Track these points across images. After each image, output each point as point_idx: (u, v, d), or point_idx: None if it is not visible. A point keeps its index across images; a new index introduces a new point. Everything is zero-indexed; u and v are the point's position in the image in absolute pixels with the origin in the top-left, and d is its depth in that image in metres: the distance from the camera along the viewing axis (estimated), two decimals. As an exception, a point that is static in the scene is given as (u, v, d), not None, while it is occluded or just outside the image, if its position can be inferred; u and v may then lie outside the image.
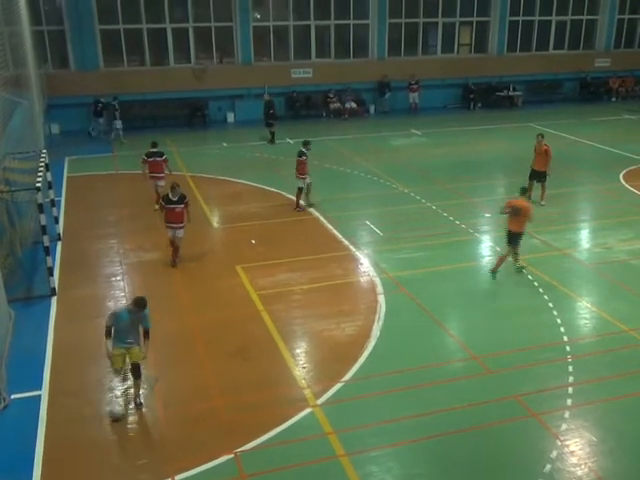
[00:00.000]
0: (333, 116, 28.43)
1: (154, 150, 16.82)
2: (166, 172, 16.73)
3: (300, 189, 16.51)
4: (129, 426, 8.61)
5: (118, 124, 24.66)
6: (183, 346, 10.58)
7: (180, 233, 13.33)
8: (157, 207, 15.13)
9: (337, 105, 28.54)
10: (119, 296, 12.33)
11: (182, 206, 13.34)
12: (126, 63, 27.11)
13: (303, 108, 28.41)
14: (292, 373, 9.75)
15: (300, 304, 11.94)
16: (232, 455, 7.98)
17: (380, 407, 8.94)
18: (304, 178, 16.53)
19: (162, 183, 16.42)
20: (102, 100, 25.10)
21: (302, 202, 16.80)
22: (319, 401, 9.04)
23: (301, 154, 16.52)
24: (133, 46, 27.26)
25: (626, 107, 30.56)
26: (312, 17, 28.51)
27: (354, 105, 28.64)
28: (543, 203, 16.85)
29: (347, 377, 9.58)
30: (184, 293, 12.37)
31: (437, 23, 30.36)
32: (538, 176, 16.98)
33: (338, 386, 9.37)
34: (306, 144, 16.81)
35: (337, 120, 28.12)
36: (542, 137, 17.07)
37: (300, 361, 10.12)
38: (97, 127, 25.45)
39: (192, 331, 11.04)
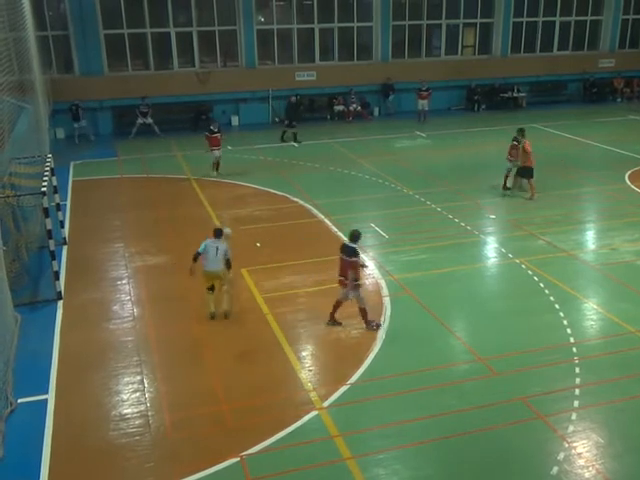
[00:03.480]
0: (337, 118, 28.46)
1: (213, 128, 20.28)
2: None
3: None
4: (136, 430, 8.61)
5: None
6: (189, 350, 10.58)
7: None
8: (215, 174, 20.26)
9: (341, 107, 28.57)
10: (125, 300, 12.35)
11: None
12: (130, 67, 27.20)
13: (307, 111, 28.43)
14: (298, 376, 9.74)
15: (305, 307, 11.94)
16: (238, 458, 7.98)
17: (386, 409, 8.92)
18: None
19: (219, 153, 20.39)
20: (79, 104, 25.10)
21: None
22: (325, 404, 9.03)
23: None
24: (137, 50, 27.34)
25: (631, 108, 30.49)
26: (316, 20, 28.55)
27: (358, 107, 28.65)
28: (529, 197, 17.46)
29: (353, 380, 9.57)
30: (189, 296, 12.37)
31: (441, 25, 30.35)
32: (523, 172, 17.55)
33: (344, 389, 9.36)
34: None
35: (341, 122, 28.13)
36: (523, 134, 17.79)
37: (306, 364, 10.11)
38: (79, 131, 25.35)
39: (198, 334, 11.05)
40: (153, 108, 25.97)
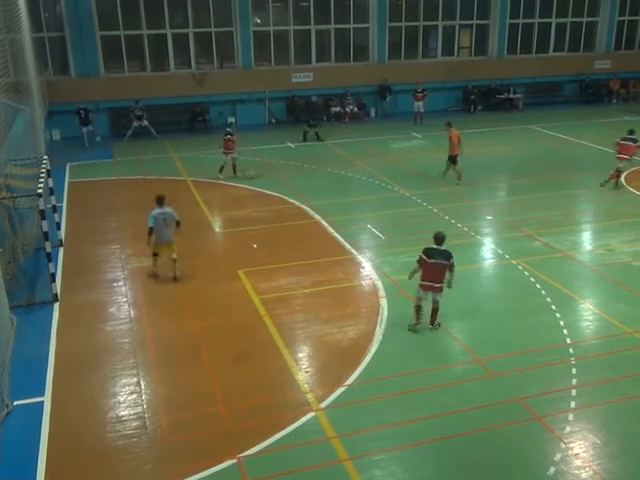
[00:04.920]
0: (334, 120, 28.45)
1: (228, 130, 20.34)
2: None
3: None
4: (133, 431, 8.59)
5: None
6: (186, 351, 10.56)
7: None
8: (221, 176, 20.12)
9: (338, 109, 28.57)
10: (121, 302, 12.33)
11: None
12: (127, 69, 27.18)
13: (304, 112, 28.41)
14: (295, 377, 9.73)
15: (302, 308, 11.93)
16: (235, 460, 7.96)
17: (383, 411, 8.92)
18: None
19: (235, 155, 20.33)
20: (87, 107, 24.95)
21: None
22: (322, 405, 9.02)
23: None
24: (134, 52, 27.33)
25: (627, 109, 30.54)
26: (312, 21, 28.56)
27: (355, 109, 28.66)
28: (459, 182, 19.01)
29: (350, 381, 9.56)
30: (186, 298, 12.37)
31: (437, 26, 30.40)
32: (451, 159, 19.27)
33: (341, 390, 9.36)
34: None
35: (338, 124, 28.13)
36: (450, 125, 19.45)
37: (303, 365, 10.11)
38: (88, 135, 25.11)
39: (195, 336, 11.04)
40: (149, 110, 25.94)
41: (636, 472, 7.81)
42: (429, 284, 10.67)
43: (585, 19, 32.25)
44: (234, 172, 20.20)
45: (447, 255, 10.59)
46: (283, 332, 11.00)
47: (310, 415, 8.82)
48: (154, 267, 13.09)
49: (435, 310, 10.91)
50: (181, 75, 27.35)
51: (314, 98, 26.86)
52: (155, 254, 12.93)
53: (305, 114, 26.36)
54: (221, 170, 20.09)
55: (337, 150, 23.77)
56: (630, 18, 32.82)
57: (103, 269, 13.87)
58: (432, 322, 10.96)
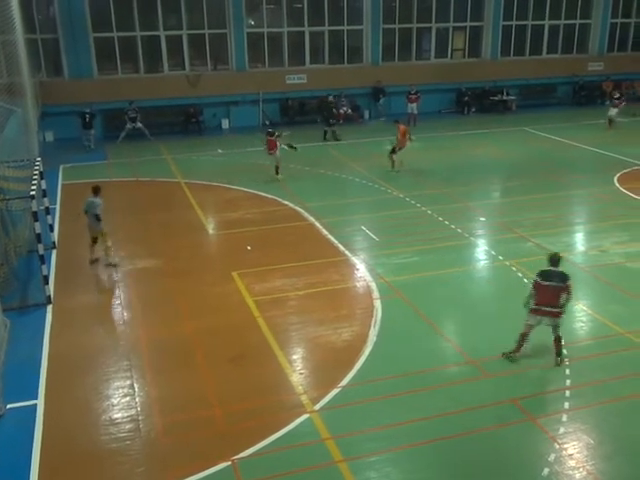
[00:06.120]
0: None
1: (270, 130, 20.78)
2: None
3: None
4: (126, 434, 8.57)
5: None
6: (180, 353, 10.54)
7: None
8: (279, 177, 20.06)
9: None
10: (115, 304, 12.30)
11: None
12: (120, 71, 27.13)
13: (298, 114, 28.45)
14: (289, 379, 9.73)
15: (296, 310, 11.93)
16: (229, 462, 7.94)
17: (378, 412, 8.92)
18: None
19: (277, 154, 20.08)
20: (91, 111, 24.80)
21: None
22: (316, 407, 9.02)
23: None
24: (127, 54, 27.29)
25: (620, 110, 30.60)
26: (306, 23, 28.59)
27: (349, 110, 28.66)
28: (397, 170, 20.49)
29: (344, 382, 9.56)
30: (180, 300, 12.34)
31: (431, 28, 30.47)
32: (393, 150, 20.73)
33: (335, 391, 9.35)
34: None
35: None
36: (397, 122, 21.06)
37: (297, 367, 10.10)
38: (88, 139, 24.99)
39: (189, 338, 11.01)
40: (143, 111, 25.88)
41: (630, 473, 7.83)
42: (549, 309, 9.79)
43: (578, 21, 32.39)
44: (276, 173, 20.05)
45: (563, 277, 9.78)
46: (277, 334, 10.99)
47: (304, 417, 8.81)
48: (91, 254, 13.97)
49: (557, 340, 9.97)
50: (175, 77, 27.32)
51: (330, 97, 26.99)
52: (93, 241, 13.90)
53: (322, 114, 26.38)
54: (277, 171, 20.03)
55: (331, 152, 23.79)
56: (623, 20, 32.97)
57: (96, 271, 13.84)
58: (558, 354, 9.97)
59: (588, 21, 32.48)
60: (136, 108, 25.61)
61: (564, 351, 10.05)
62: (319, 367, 10.16)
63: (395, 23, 29.76)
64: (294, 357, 10.42)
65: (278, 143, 19.89)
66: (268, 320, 11.44)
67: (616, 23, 32.86)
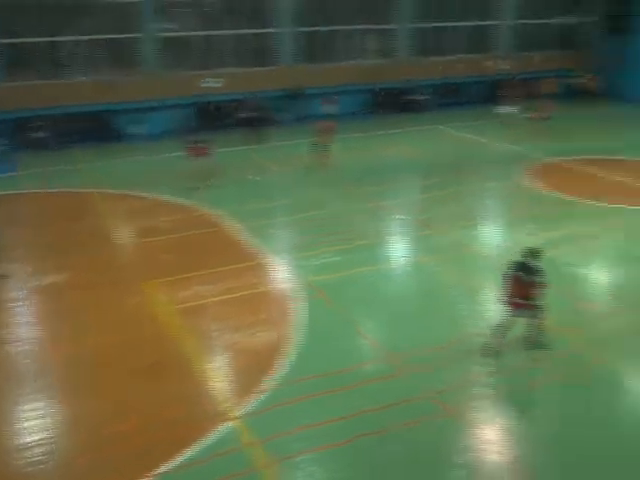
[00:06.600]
0: (243, 126, 28.11)
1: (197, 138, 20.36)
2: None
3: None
4: (41, 457, 8.19)
5: None
6: (92, 369, 10.19)
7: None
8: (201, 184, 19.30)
9: (247, 115, 28.25)
10: (21, 322, 11.77)
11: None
12: (29, 78, 25.97)
13: (214, 118, 28.07)
14: (210, 387, 9.57)
15: (215, 316, 11.75)
16: (150, 478, 7.73)
17: (301, 413, 8.90)
18: None
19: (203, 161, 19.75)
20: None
21: None
22: (239, 413, 8.92)
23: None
24: (35, 60, 26.16)
25: (528, 107, 31.81)
26: (221, 26, 28.26)
27: (266, 113, 28.44)
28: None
29: (266, 386, 9.49)
30: (91, 314, 11.93)
31: (347, 30, 30.70)
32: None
33: (258, 396, 9.28)
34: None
35: (247, 129, 27.73)
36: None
37: (218, 374, 9.94)
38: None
39: (101, 352, 10.65)
40: (53, 119, 24.93)
41: (546, 453, 8.10)
42: (513, 300, 9.86)
43: (487, 22, 33.43)
44: (199, 180, 19.60)
45: (531, 270, 9.77)
46: (196, 342, 10.80)
47: (227, 424, 8.70)
48: None
49: (530, 334, 10.18)
50: (84, 83, 26.40)
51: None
52: None
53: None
54: (201, 178, 19.60)
55: (250, 155, 23.63)
56: (529, 21, 34.24)
57: (1, 288, 13.19)
58: (532, 347, 10.18)
59: (496, 22, 33.60)
60: (43, 116, 24.61)
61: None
62: (240, 373, 10.05)
63: (311, 26, 29.82)
64: (214, 365, 10.25)
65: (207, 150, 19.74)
66: (185, 329, 11.22)
67: (522, 24, 34.12)
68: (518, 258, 10.01)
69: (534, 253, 9.94)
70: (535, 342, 10.17)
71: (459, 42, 33.25)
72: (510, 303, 9.92)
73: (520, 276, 9.79)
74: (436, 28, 32.40)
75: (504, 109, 27.10)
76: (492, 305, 11.92)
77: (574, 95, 32.85)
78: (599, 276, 13.41)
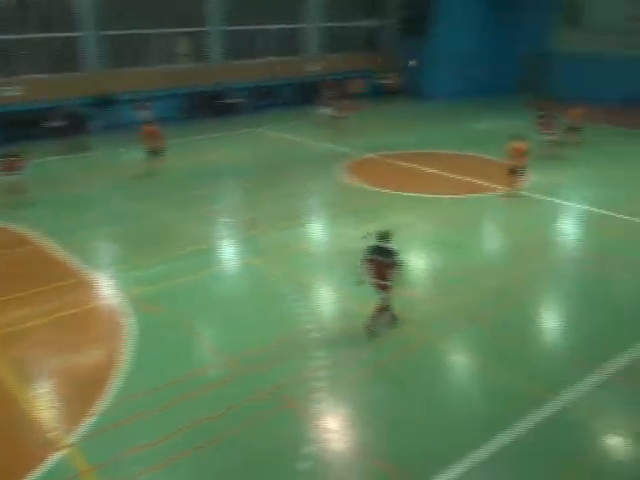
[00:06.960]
0: (53, 135, 26.27)
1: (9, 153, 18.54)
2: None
3: None
4: None
5: None
6: None
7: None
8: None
9: (57, 124, 26.47)
10: None
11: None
12: None
13: (18, 128, 25.89)
14: (36, 417, 8.86)
15: (38, 340, 10.91)
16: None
17: (136, 432, 8.56)
18: None
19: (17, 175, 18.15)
20: None
21: None
22: (71, 439, 8.35)
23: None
24: None
25: (338, 106, 33.14)
26: (16, 29, 26.19)
27: (73, 122, 26.73)
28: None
29: (99, 408, 8.99)
30: None
31: (153, 35, 29.93)
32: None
33: (90, 419, 8.76)
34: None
35: (58, 139, 25.95)
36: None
37: (44, 402, 9.23)
38: None
39: None
40: None
41: (385, 436, 8.51)
42: (378, 282, 10.45)
43: (297, 25, 34.33)
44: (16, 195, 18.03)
45: (387, 252, 10.34)
46: (16, 371, 9.94)
47: (58, 453, 8.12)
48: None
49: (382, 309, 10.74)
50: None
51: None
52: None
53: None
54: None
55: (62, 167, 22.30)
56: (335, 24, 35.66)
57: None
58: (375, 321, 10.79)
59: (305, 25, 34.61)
60: None
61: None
62: (70, 397, 9.41)
63: (117, 29, 28.61)
64: (39, 392, 9.51)
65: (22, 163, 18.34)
66: (5, 356, 10.29)
67: (330, 27, 35.48)
68: (373, 243, 10.60)
69: (384, 236, 10.59)
70: (391, 319, 10.95)
71: (270, 45, 33.85)
72: (377, 285, 10.51)
73: (379, 259, 10.38)
74: (247, 31, 32.70)
75: (323, 109, 28.00)
76: (322, 300, 12.30)
77: (381, 94, 34.89)
78: (417, 262, 14.29)
